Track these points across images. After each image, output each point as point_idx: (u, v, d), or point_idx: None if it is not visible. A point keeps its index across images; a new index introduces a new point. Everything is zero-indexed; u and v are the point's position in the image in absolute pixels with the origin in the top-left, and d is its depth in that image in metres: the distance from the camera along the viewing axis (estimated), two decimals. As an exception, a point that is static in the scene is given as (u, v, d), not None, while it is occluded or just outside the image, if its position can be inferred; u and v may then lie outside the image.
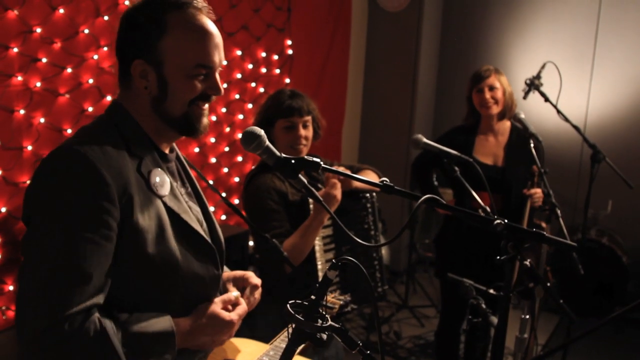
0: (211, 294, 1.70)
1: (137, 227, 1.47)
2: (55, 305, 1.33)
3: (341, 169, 2.06)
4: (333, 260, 1.36)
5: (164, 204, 1.57)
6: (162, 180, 1.58)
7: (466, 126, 3.68)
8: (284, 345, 1.89)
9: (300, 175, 1.61)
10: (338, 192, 2.64)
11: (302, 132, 2.75)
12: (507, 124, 3.63)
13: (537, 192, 3.37)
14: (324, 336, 1.34)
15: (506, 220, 1.55)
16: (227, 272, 2.02)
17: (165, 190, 1.58)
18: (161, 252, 1.52)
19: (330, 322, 1.35)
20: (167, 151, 1.69)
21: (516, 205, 3.48)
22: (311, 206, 2.67)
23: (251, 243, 4.11)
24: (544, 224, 3.37)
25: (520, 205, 3.45)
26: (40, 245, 1.38)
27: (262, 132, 1.58)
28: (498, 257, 1.55)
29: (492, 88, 3.50)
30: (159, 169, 1.59)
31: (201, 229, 1.67)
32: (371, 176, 2.94)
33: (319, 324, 1.33)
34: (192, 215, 1.67)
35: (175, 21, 1.54)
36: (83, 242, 1.38)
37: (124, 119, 1.58)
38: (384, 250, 5.81)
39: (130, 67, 1.55)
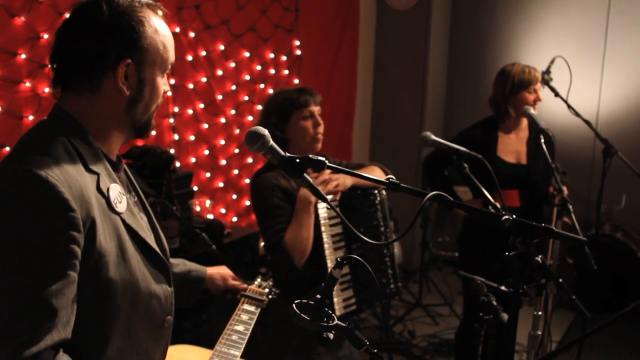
0: (168, 311, 1.68)
1: (99, 252, 1.40)
2: (20, 345, 1.24)
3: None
4: (337, 259, 1.35)
5: (123, 221, 1.50)
6: (120, 197, 1.51)
7: (485, 123, 3.66)
8: (226, 350, 1.93)
9: (305, 175, 1.60)
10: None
11: (320, 120, 2.76)
12: (526, 120, 3.62)
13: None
14: (330, 335, 1.33)
15: (514, 216, 1.53)
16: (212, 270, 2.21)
17: (123, 207, 1.51)
18: (122, 274, 1.46)
19: (336, 321, 1.34)
20: (115, 159, 1.61)
21: (540, 201, 3.49)
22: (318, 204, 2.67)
23: (262, 244, 4.11)
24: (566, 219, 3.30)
25: (541, 199, 3.47)
26: (0, 279, 1.28)
27: (266, 131, 1.57)
28: (507, 254, 1.54)
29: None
30: (115, 184, 1.52)
31: (154, 243, 1.64)
32: (377, 172, 2.93)
33: (325, 323, 1.32)
34: (147, 231, 1.62)
35: (150, 19, 1.52)
36: (48, 275, 1.29)
37: (73, 128, 1.48)
38: (396, 249, 5.80)
39: (117, 67, 1.47)
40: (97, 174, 1.46)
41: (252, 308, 2.21)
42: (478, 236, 3.60)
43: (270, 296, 2.33)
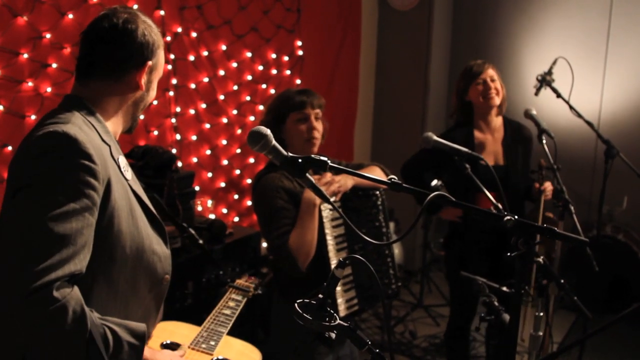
0: (167, 271, 1.86)
1: (114, 206, 1.59)
2: (38, 272, 1.37)
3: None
4: (340, 259, 1.35)
5: (130, 187, 1.72)
6: (127, 167, 1.74)
7: (461, 125, 3.63)
8: (214, 327, 2.16)
9: (307, 175, 1.60)
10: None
11: (315, 123, 2.74)
12: (500, 119, 3.61)
13: (548, 184, 3.35)
14: (332, 335, 1.34)
15: (517, 217, 1.53)
16: None
17: (129, 175, 1.74)
18: (131, 229, 1.66)
19: (338, 321, 1.34)
20: None
21: (517, 200, 3.48)
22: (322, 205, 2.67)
23: (264, 244, 4.11)
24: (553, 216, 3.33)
25: (521, 198, 3.49)
26: (26, 215, 1.44)
27: (268, 131, 1.57)
28: (508, 254, 1.54)
29: (492, 79, 3.49)
30: (122, 157, 1.74)
31: (155, 210, 1.84)
32: (377, 172, 2.93)
33: (327, 323, 1.32)
34: (147, 198, 1.83)
35: (159, 35, 1.82)
36: (70, 213, 1.45)
37: (85, 109, 1.68)
38: (397, 250, 5.81)
39: (143, 66, 1.74)
40: (109, 145, 1.67)
41: (239, 297, 2.44)
42: (463, 239, 3.58)
43: (256, 290, 2.53)
